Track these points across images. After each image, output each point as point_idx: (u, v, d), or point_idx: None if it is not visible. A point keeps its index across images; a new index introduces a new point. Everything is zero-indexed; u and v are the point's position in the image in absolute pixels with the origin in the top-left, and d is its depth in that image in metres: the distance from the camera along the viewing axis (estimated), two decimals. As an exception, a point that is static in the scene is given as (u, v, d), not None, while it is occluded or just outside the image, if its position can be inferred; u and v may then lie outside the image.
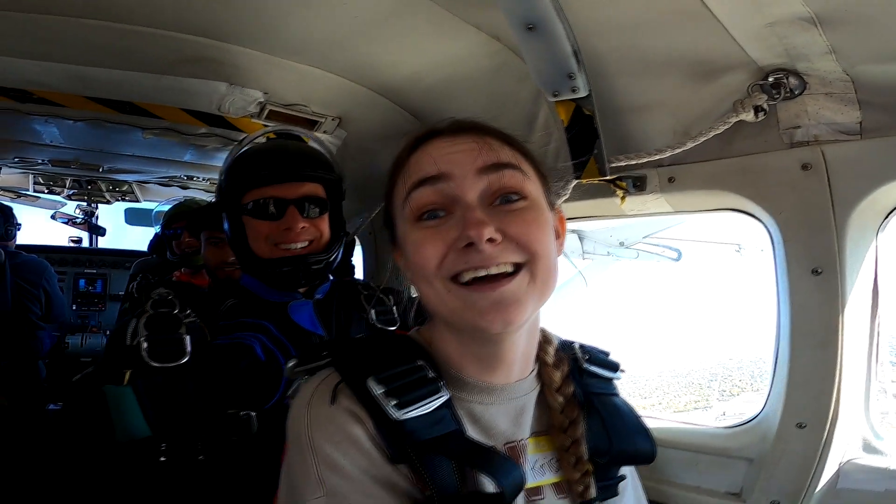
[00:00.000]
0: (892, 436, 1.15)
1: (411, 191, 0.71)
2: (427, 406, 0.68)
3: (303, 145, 1.42)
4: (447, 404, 0.70)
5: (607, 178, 1.29)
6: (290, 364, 0.77)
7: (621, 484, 0.82)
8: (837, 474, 1.10)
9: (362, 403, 0.67)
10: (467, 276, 0.67)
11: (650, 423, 1.38)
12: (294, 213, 1.29)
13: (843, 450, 1.11)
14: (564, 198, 1.36)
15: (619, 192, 1.32)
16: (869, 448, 1.13)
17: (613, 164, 1.27)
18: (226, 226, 1.40)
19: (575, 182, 1.35)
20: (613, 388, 0.87)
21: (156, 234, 3.43)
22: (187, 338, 1.18)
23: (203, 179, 3.17)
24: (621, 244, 2.79)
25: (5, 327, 2.80)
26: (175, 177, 3.08)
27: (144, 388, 1.16)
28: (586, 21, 1.14)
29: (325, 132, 2.16)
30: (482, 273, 0.67)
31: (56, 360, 3.46)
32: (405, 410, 0.66)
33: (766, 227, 1.18)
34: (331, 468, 0.65)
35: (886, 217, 1.08)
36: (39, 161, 2.75)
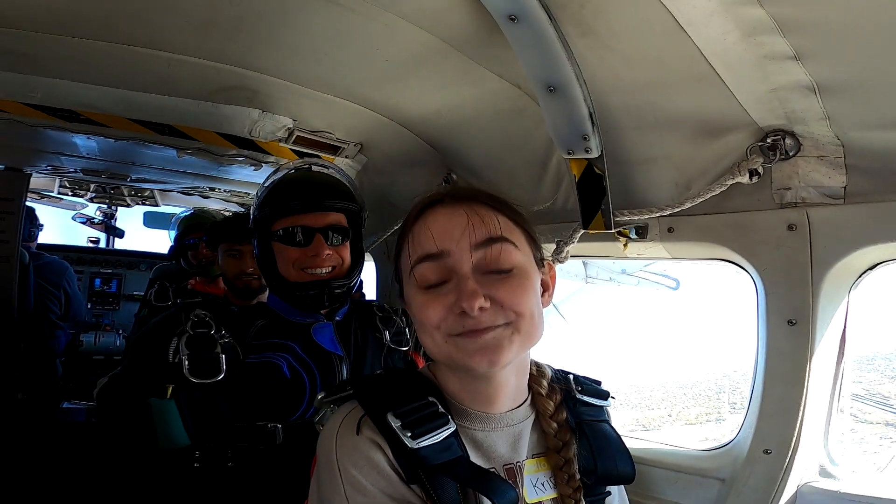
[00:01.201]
0: (846, 462, 1.29)
1: (415, 265, 0.84)
2: (437, 437, 0.80)
3: (328, 177, 1.55)
4: (454, 434, 0.83)
5: (612, 230, 1.40)
6: (320, 396, 0.91)
7: (608, 499, 0.95)
8: (796, 495, 1.24)
9: (383, 434, 0.80)
10: (461, 332, 0.81)
11: (638, 444, 1.52)
12: (320, 241, 1.42)
13: (802, 474, 1.25)
14: (573, 244, 1.48)
15: (623, 240, 1.43)
16: (825, 473, 1.27)
17: (618, 219, 1.39)
18: (256, 250, 1.52)
19: (582, 232, 1.47)
20: (603, 414, 1.00)
21: (175, 241, 3.53)
22: (223, 357, 1.32)
23: (224, 191, 3.28)
24: (623, 271, 2.90)
25: (27, 326, 2.91)
26: (198, 187, 3.20)
27: (186, 402, 1.29)
28: (603, 80, 1.26)
29: (346, 157, 2.28)
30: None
31: (71, 358, 3.55)
32: (418, 441, 0.79)
33: (751, 277, 1.29)
34: (355, 488, 0.78)
35: (859, 277, 1.20)
36: (71, 169, 2.88)
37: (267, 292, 2.13)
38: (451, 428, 0.82)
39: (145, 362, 1.42)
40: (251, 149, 2.19)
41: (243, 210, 3.34)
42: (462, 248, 0.82)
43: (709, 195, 1.24)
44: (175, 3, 1.36)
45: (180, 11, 1.40)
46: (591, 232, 1.44)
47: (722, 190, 1.23)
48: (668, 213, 1.31)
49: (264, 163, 2.33)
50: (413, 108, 1.87)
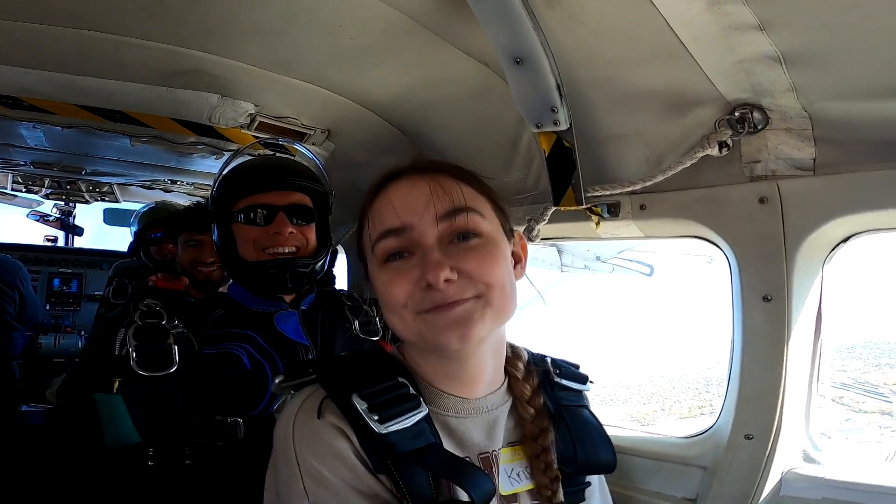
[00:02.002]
0: (829, 448, 1.26)
1: (377, 241, 0.79)
2: (407, 420, 0.74)
3: (292, 160, 1.50)
4: (426, 418, 0.77)
5: (584, 206, 1.37)
6: (278, 380, 0.83)
7: (587, 490, 0.90)
8: (780, 482, 1.21)
9: (347, 418, 0.73)
10: (430, 307, 0.75)
11: (618, 433, 1.49)
12: (283, 219, 1.36)
13: (786, 460, 1.22)
14: (544, 223, 1.45)
15: (595, 218, 1.40)
16: (808, 459, 1.25)
17: (589, 194, 1.36)
18: (215, 235, 1.45)
19: (554, 209, 1.43)
20: (583, 399, 0.95)
21: (135, 237, 3.40)
22: (175, 348, 1.24)
23: (187, 183, 3.16)
24: (598, 258, 2.90)
25: None
26: (158, 180, 3.07)
27: (134, 397, 1.20)
28: (570, 53, 1.22)
29: (313, 144, 2.20)
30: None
31: (29, 361, 3.40)
32: (387, 425, 0.72)
33: (725, 254, 1.28)
34: (316, 480, 0.71)
35: (832, 249, 1.19)
36: (21, 162, 2.72)
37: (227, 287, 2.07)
38: (423, 412, 0.76)
39: (93, 358, 1.34)
40: (211, 136, 2.09)
41: (204, 201, 3.23)
42: (426, 221, 0.77)
43: (679, 168, 1.22)
44: None
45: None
46: (562, 209, 1.41)
47: (692, 163, 1.21)
48: (639, 187, 1.28)
49: (225, 151, 2.24)
50: (380, 90, 1.81)
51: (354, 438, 0.73)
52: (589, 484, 0.90)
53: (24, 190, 3.69)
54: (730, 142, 1.17)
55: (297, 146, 1.59)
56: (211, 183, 3.11)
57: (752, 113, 1.15)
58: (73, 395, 1.30)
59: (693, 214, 1.29)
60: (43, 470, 1.75)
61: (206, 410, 1.25)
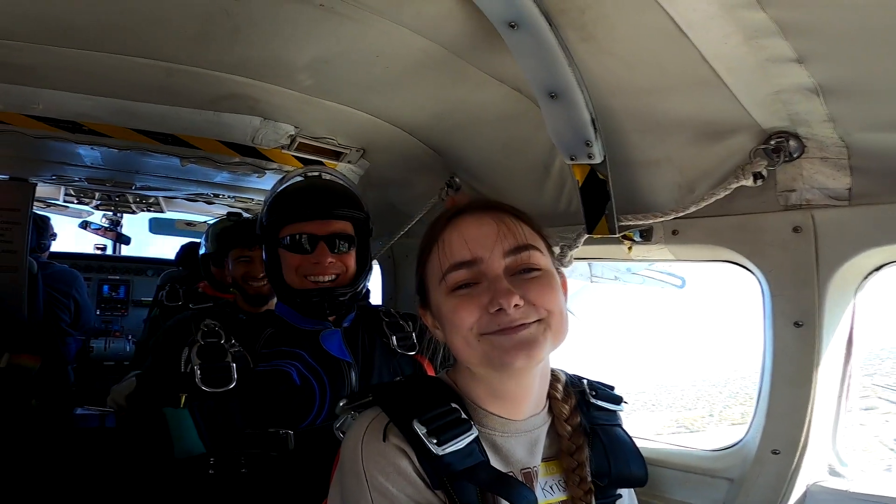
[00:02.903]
0: (855, 462, 1.28)
1: (448, 272, 0.86)
2: (461, 442, 0.82)
3: (335, 185, 1.56)
4: (476, 440, 0.84)
5: (617, 235, 1.40)
6: (341, 403, 0.94)
7: (618, 501, 0.96)
8: (805, 495, 1.24)
9: (409, 441, 0.82)
10: (495, 328, 0.83)
11: (647, 445, 1.52)
12: (323, 249, 1.43)
13: (811, 474, 1.25)
14: (577, 249, 1.48)
15: (627, 243, 1.43)
16: (834, 473, 1.27)
17: (622, 223, 1.39)
18: (265, 256, 1.53)
19: (586, 237, 1.46)
20: (617, 419, 1.01)
21: (183, 247, 3.54)
22: (234, 365, 1.33)
23: (228, 197, 3.30)
24: (628, 270, 2.89)
25: (37, 335, 2.93)
26: (202, 194, 3.21)
27: (199, 411, 1.30)
28: (603, 84, 1.25)
29: (349, 162, 2.28)
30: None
31: (82, 365, 3.58)
32: (444, 447, 0.81)
33: (757, 280, 1.29)
34: (381, 494, 0.80)
35: (865, 278, 1.19)
36: (76, 179, 2.90)
37: (276, 298, 2.15)
38: (474, 434, 0.84)
39: (158, 372, 1.43)
40: (254, 156, 2.19)
41: (255, 216, 3.34)
42: (495, 255, 0.85)
43: (713, 199, 1.24)
44: (168, 17, 1.37)
45: (174, 25, 1.41)
46: (595, 237, 1.44)
47: (727, 193, 1.22)
48: (672, 217, 1.30)
49: (267, 170, 2.34)
50: (414, 112, 1.87)
51: (415, 458, 0.81)
52: (620, 496, 0.96)
53: (75, 202, 3.91)
54: (765, 173, 1.18)
55: (341, 180, 1.64)
56: (250, 197, 3.26)
57: (787, 141, 1.16)
58: (144, 407, 1.40)
59: (726, 241, 1.30)
60: (103, 474, 1.88)
61: (261, 423, 1.34)
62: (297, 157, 2.20)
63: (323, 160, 2.20)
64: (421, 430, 0.81)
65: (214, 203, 3.48)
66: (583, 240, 1.47)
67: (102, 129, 1.98)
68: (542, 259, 0.88)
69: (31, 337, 2.40)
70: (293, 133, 2.05)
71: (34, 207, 3.22)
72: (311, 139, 2.09)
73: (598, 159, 1.33)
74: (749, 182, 1.19)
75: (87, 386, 3.39)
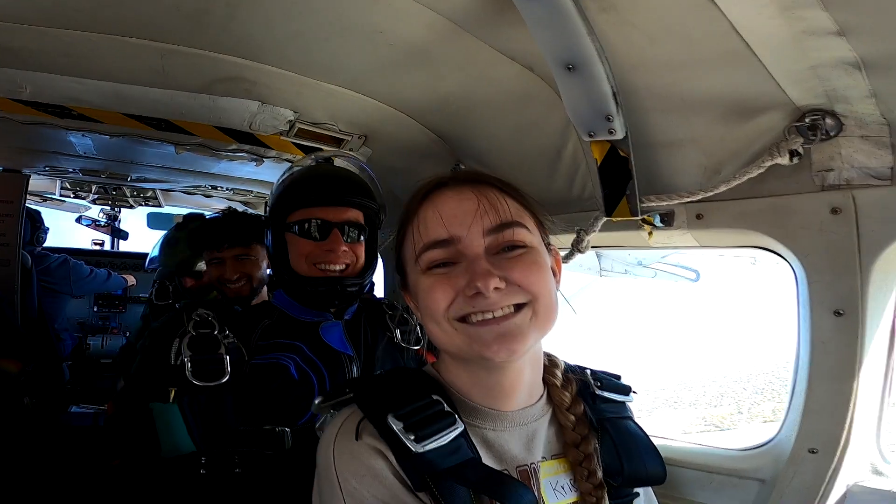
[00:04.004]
0: None
1: (423, 252, 0.79)
2: (443, 438, 0.74)
3: (351, 172, 1.48)
4: (463, 434, 0.76)
5: (638, 217, 1.31)
6: (317, 400, 0.84)
7: (635, 501, 0.87)
8: (845, 496, 1.16)
9: (384, 438, 0.74)
10: (475, 318, 0.75)
11: (668, 444, 1.43)
12: (337, 236, 1.35)
13: (852, 474, 1.16)
14: (594, 233, 1.39)
15: (647, 228, 1.34)
16: (876, 472, 1.19)
17: (644, 205, 1.30)
18: (269, 241, 1.45)
19: (604, 220, 1.37)
20: (626, 411, 0.93)
21: None
22: (227, 358, 1.25)
23: (226, 189, 3.22)
24: (639, 263, 2.80)
25: (31, 332, 2.87)
26: (200, 186, 3.14)
27: (189, 407, 1.22)
28: (623, 58, 1.17)
29: (350, 149, 2.20)
30: (489, 315, 0.75)
31: (78, 362, 3.53)
32: (424, 443, 0.72)
33: (791, 266, 1.20)
34: (356, 500, 0.72)
35: (911, 262, 1.10)
36: (70, 170, 2.83)
37: (264, 292, 2.06)
38: (459, 428, 0.76)
39: (147, 365, 1.36)
40: (251, 143, 2.12)
41: (223, 210, 3.26)
42: (474, 233, 0.77)
43: (744, 178, 1.15)
44: None
45: (167, 1, 1.33)
46: (614, 220, 1.35)
47: (760, 172, 1.13)
48: (698, 198, 1.21)
49: (266, 157, 2.26)
50: (419, 96, 1.78)
51: (392, 458, 0.73)
52: (637, 495, 0.88)
53: (72, 196, 3.84)
54: (801, 150, 1.09)
55: (362, 165, 1.56)
56: (248, 188, 3.19)
57: (824, 119, 1.07)
58: (130, 402, 1.33)
59: (756, 225, 1.21)
60: (95, 473, 1.81)
61: (256, 420, 1.26)
62: (296, 144, 2.12)
63: (323, 147, 2.11)
64: (397, 425, 0.73)
65: (212, 196, 3.41)
66: (601, 223, 1.38)
67: (92, 114, 1.90)
68: (528, 236, 0.79)
69: (15, 339, 2.33)
70: (292, 118, 1.97)
71: (29, 202, 3.17)
72: (311, 125, 2.01)
73: (619, 135, 1.24)
74: (785, 160, 1.10)
75: (83, 383, 3.34)
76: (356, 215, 1.40)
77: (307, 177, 1.43)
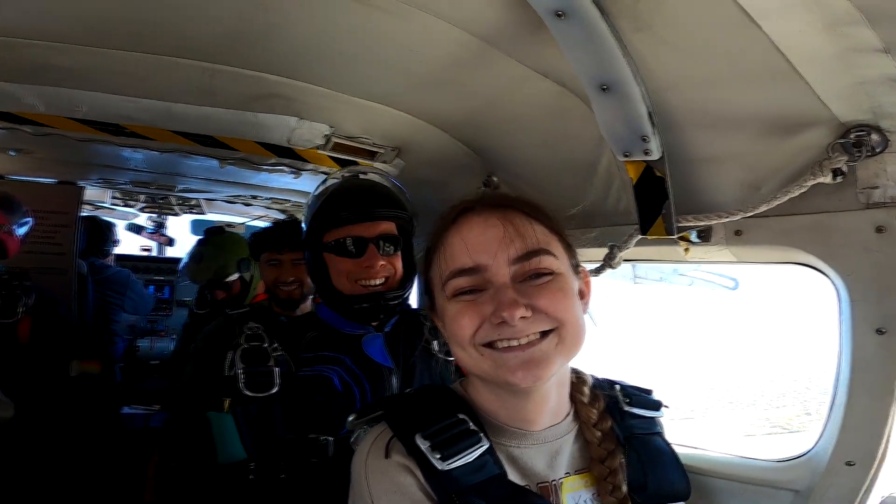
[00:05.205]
0: None
1: (448, 279, 0.81)
2: (469, 455, 0.77)
3: (379, 185, 1.51)
4: (489, 451, 0.79)
5: (674, 236, 1.30)
6: (351, 418, 0.88)
7: None
8: None
9: (412, 456, 0.77)
10: (500, 345, 0.77)
11: (701, 454, 1.42)
12: (373, 252, 1.38)
13: (886, 486, 1.16)
14: (627, 251, 1.38)
15: (684, 244, 1.32)
16: None
17: (681, 224, 1.28)
18: (309, 261, 1.50)
19: (639, 238, 1.36)
20: (655, 426, 0.94)
21: None
22: (276, 370, 1.32)
23: (265, 198, 3.33)
24: (675, 271, 2.75)
25: (88, 336, 3.02)
26: (240, 196, 3.26)
27: (242, 416, 1.29)
28: (661, 77, 1.16)
29: (384, 162, 2.24)
30: (514, 343, 0.76)
31: (129, 364, 3.69)
32: (449, 462, 0.75)
33: (833, 283, 1.17)
34: None
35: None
36: (121, 182, 2.98)
37: (309, 301, 2.14)
38: (485, 445, 0.78)
39: (202, 375, 1.43)
40: (290, 157, 2.18)
41: (285, 217, 3.37)
42: (500, 262, 0.78)
43: (785, 197, 1.12)
44: (204, 14, 1.34)
45: (211, 20, 1.38)
46: (650, 238, 1.34)
47: (801, 191, 1.11)
48: (738, 217, 1.19)
49: (303, 170, 2.33)
50: (450, 110, 1.80)
51: (420, 475, 0.76)
52: None
53: (122, 204, 4.04)
54: (845, 168, 1.06)
55: (388, 178, 1.61)
56: (286, 198, 3.29)
57: (869, 135, 1.04)
58: (187, 409, 1.40)
59: (797, 242, 1.19)
60: (147, 476, 1.90)
61: (301, 429, 1.31)
62: (332, 157, 2.18)
63: (358, 160, 2.16)
64: (423, 444, 0.76)
65: (252, 204, 3.53)
66: (635, 241, 1.37)
67: (144, 132, 2.00)
68: (554, 263, 0.80)
69: (89, 342, 2.48)
70: (328, 133, 2.02)
71: (84, 210, 3.35)
72: (346, 138, 2.06)
73: (655, 156, 1.23)
74: (828, 179, 1.07)
75: (133, 385, 3.49)
76: (389, 227, 1.43)
77: (337, 195, 1.46)
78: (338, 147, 2.10)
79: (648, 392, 0.96)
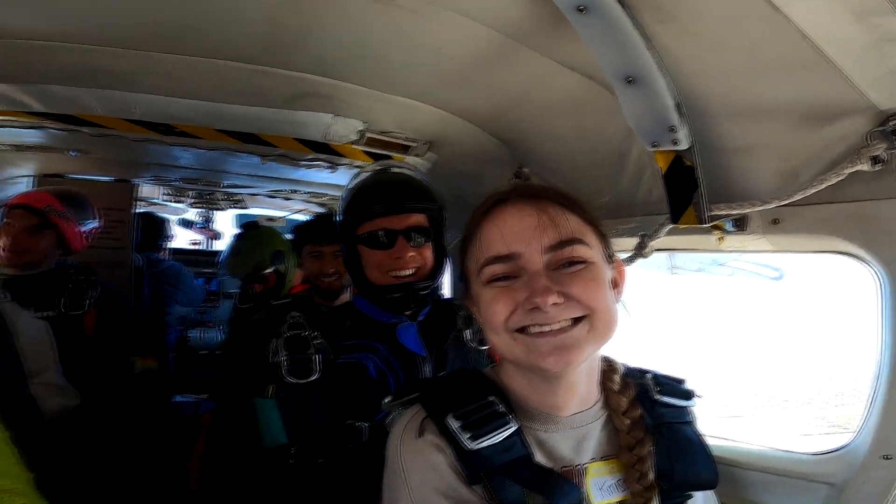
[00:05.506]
0: None
1: (484, 266, 0.83)
2: (497, 436, 0.80)
3: (408, 178, 1.56)
4: (517, 433, 0.82)
5: (707, 224, 1.28)
6: (387, 399, 0.92)
7: (688, 503, 0.89)
8: None
9: (444, 436, 0.81)
10: (533, 330, 0.79)
11: (735, 446, 1.41)
12: (403, 243, 1.43)
13: None
14: (659, 239, 1.37)
15: (718, 233, 1.30)
16: None
17: (713, 213, 1.26)
18: (344, 253, 1.56)
19: (670, 227, 1.35)
20: (686, 416, 0.94)
21: None
22: (316, 357, 1.37)
23: (304, 192, 3.45)
24: (714, 261, 2.67)
25: (145, 329, 3.17)
26: (281, 190, 3.38)
27: (285, 402, 1.37)
28: (688, 67, 1.15)
29: (416, 155, 2.29)
30: (546, 328, 0.79)
31: (181, 353, 3.88)
32: (478, 441, 0.79)
33: (873, 272, 1.14)
34: (418, 491, 0.79)
35: None
36: (172, 179, 3.15)
37: (348, 291, 2.21)
38: (513, 427, 0.81)
39: (249, 363, 1.51)
40: (326, 152, 2.26)
41: (325, 211, 3.47)
42: (534, 250, 0.81)
43: (823, 185, 1.09)
44: (239, 15, 1.40)
45: (250, 23, 1.44)
46: (681, 227, 1.33)
47: (839, 179, 1.07)
48: (773, 205, 1.17)
49: (339, 165, 2.40)
50: (480, 104, 1.83)
51: (451, 453, 0.80)
52: (689, 497, 0.89)
53: (172, 200, 4.26)
54: (884, 156, 1.03)
55: (411, 172, 1.65)
56: (324, 192, 3.39)
57: (910, 121, 1.00)
58: (235, 398, 1.49)
59: (837, 230, 1.15)
60: (202, 460, 2.02)
61: (339, 415, 1.38)
62: (366, 152, 2.24)
63: (391, 154, 2.21)
64: (455, 424, 0.80)
65: (291, 199, 3.66)
66: (666, 230, 1.36)
67: (192, 131, 2.11)
68: (587, 252, 0.82)
69: (147, 338, 2.62)
70: (362, 128, 2.08)
71: (139, 207, 3.56)
72: (379, 133, 2.12)
73: (684, 145, 1.22)
74: (866, 167, 1.04)
75: (184, 374, 3.67)
76: (419, 219, 1.47)
77: (369, 189, 1.51)
78: (371, 142, 2.16)
79: (681, 381, 0.96)
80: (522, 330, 0.80)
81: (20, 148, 2.45)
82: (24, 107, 1.83)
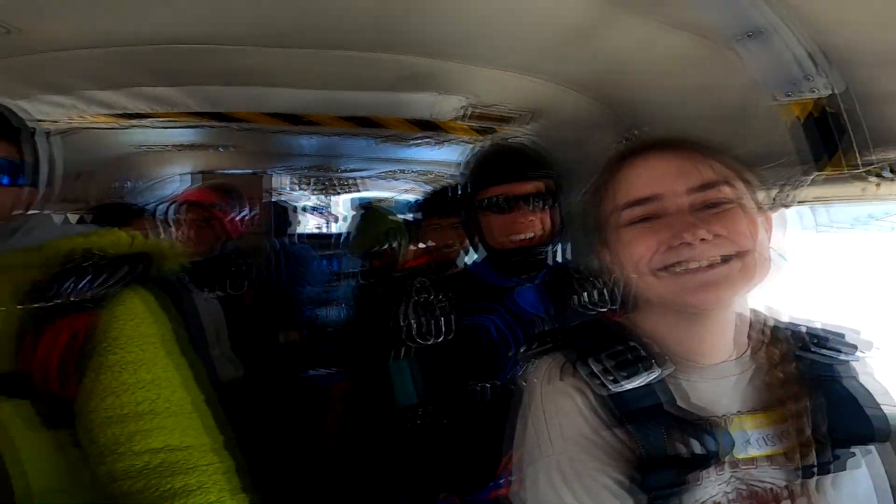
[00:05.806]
0: None
1: (623, 209, 0.81)
2: (638, 380, 0.78)
3: (526, 147, 1.66)
4: (658, 379, 0.79)
5: (859, 170, 1.15)
6: (522, 349, 0.94)
7: (851, 460, 0.81)
8: None
9: (585, 379, 0.80)
10: (679, 269, 0.76)
11: None
12: (522, 207, 1.49)
13: None
14: (801, 189, 1.25)
15: (874, 180, 1.16)
16: None
17: (865, 158, 1.13)
18: (464, 220, 1.64)
19: (815, 175, 1.23)
20: (848, 370, 0.85)
21: None
22: (442, 319, 1.46)
23: (412, 171, 3.63)
24: (870, 215, 2.33)
25: (280, 304, 3.49)
26: (391, 171, 3.59)
27: (415, 363, 1.47)
28: (825, 17, 1.04)
29: (519, 126, 2.30)
30: (694, 265, 0.75)
31: (311, 331, 4.26)
32: (620, 384, 0.78)
33: None
34: (559, 433, 0.80)
35: None
36: (298, 167, 3.48)
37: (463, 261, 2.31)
38: (656, 372, 0.79)
39: (379, 329, 1.61)
40: (433, 129, 2.36)
41: (440, 187, 3.60)
42: (677, 190, 0.78)
43: None
44: (351, 5, 1.49)
45: (359, 12, 1.54)
46: (828, 173, 1.21)
47: None
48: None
49: (445, 141, 2.50)
50: (584, 71, 1.79)
51: (591, 396, 0.80)
52: (852, 454, 0.81)
53: (297, 188, 4.69)
54: None
55: (528, 142, 1.70)
56: (430, 169, 3.52)
57: None
58: (370, 361, 1.62)
59: None
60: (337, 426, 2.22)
61: (462, 376, 1.46)
62: (471, 127, 2.30)
63: (495, 127, 2.25)
64: (596, 367, 0.79)
65: (399, 179, 3.85)
66: (810, 178, 1.24)
67: (317, 119, 2.32)
68: (734, 193, 0.77)
69: (290, 312, 2.92)
70: (466, 104, 2.14)
71: (271, 197, 3.97)
72: (483, 107, 2.16)
73: (823, 92, 1.11)
74: None
75: (315, 350, 4.01)
76: (538, 186, 1.51)
77: (489, 158, 1.59)
78: (475, 116, 2.21)
79: (841, 335, 0.88)
80: (666, 269, 0.77)
81: (181, 147, 2.87)
82: (185, 107, 2.14)
